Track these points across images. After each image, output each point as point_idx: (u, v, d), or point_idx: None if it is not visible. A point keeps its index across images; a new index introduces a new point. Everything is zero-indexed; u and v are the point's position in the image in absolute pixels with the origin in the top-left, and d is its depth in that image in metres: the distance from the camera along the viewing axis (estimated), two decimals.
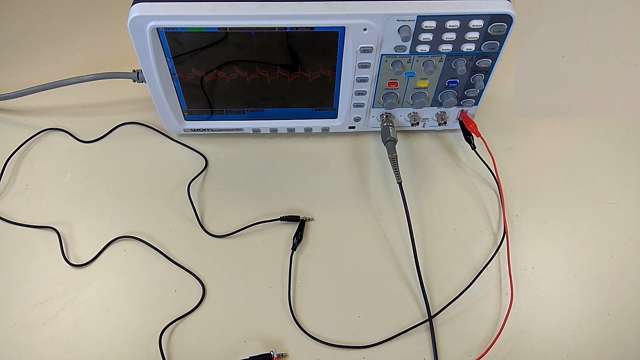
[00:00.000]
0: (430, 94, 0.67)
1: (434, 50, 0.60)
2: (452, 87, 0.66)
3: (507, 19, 0.57)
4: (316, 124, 0.71)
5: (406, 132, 0.74)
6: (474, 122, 0.70)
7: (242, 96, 0.68)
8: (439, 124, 0.71)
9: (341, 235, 0.65)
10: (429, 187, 0.69)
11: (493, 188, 0.69)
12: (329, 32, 0.59)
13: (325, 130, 0.72)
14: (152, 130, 0.74)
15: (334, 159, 0.72)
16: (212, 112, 0.70)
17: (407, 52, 0.60)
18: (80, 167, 0.70)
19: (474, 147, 0.70)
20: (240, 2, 0.56)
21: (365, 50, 0.60)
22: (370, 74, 0.63)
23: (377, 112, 0.69)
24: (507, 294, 0.60)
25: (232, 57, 0.62)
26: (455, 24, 0.57)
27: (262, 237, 0.64)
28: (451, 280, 0.61)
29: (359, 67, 0.62)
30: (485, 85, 0.65)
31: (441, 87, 0.66)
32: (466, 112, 0.70)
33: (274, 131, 0.72)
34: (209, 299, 0.60)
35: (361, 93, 0.66)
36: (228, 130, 0.72)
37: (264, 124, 0.71)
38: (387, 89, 0.66)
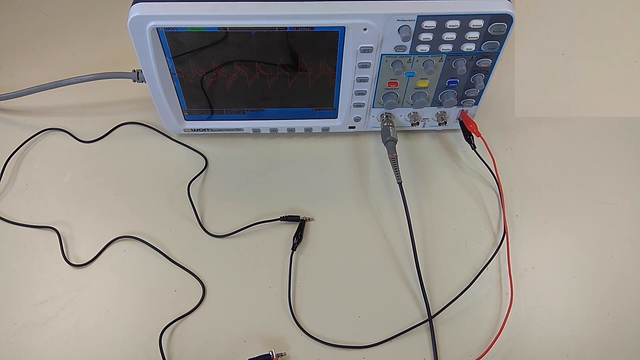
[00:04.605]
0: (430, 93, 0.67)
1: (434, 50, 0.60)
2: (452, 87, 0.66)
3: (507, 18, 0.57)
4: (316, 124, 0.71)
5: (406, 132, 0.74)
6: (474, 122, 0.70)
7: (242, 96, 0.67)
8: (439, 124, 0.71)
9: (341, 235, 0.65)
10: (429, 187, 0.69)
11: (493, 188, 0.69)
12: (329, 32, 0.59)
13: (325, 130, 0.72)
14: (152, 130, 0.74)
15: (334, 159, 0.72)
16: (212, 112, 0.70)
17: (407, 52, 0.60)
18: (80, 167, 0.70)
19: (474, 147, 0.69)
20: (240, 2, 0.56)
21: (365, 50, 0.60)
22: (370, 73, 0.63)
23: (377, 112, 0.69)
24: (507, 294, 0.60)
25: (232, 57, 0.62)
26: (455, 23, 0.57)
27: (262, 237, 0.64)
28: (451, 280, 0.61)
29: (359, 67, 0.62)
30: (485, 85, 0.65)
31: (441, 87, 0.66)
32: (466, 112, 0.70)
33: (274, 131, 0.72)
34: (209, 299, 0.60)
35: (361, 93, 0.66)
36: (228, 130, 0.72)
37: (264, 124, 0.71)
38: (387, 88, 0.66)
